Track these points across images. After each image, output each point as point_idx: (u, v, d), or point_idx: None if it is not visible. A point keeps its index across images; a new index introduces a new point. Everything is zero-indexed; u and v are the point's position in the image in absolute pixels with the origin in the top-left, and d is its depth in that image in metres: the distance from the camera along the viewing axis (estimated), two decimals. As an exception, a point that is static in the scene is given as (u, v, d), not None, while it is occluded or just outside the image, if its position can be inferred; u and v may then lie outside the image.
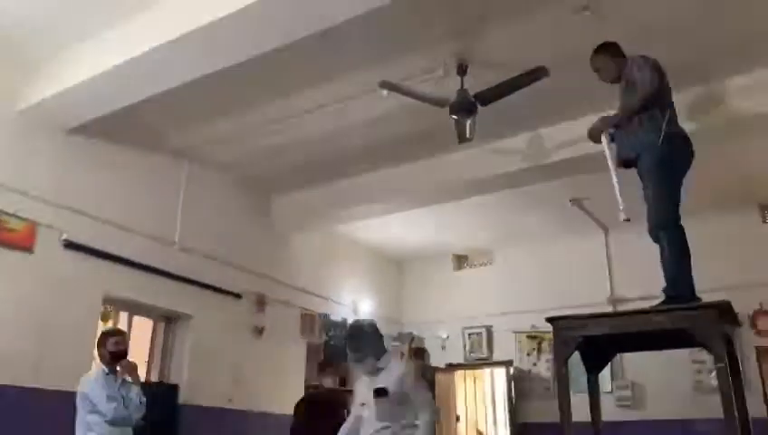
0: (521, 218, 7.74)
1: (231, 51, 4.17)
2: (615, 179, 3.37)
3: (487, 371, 9.11)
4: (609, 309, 7.01)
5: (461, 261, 9.42)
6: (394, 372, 3.53)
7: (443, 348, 8.71)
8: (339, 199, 6.97)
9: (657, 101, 3.34)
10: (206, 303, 6.19)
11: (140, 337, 5.85)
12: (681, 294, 3.07)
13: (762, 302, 6.84)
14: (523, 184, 6.25)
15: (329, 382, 5.51)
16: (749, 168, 6.32)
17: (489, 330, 8.60)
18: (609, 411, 5.77)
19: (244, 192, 7.00)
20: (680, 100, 4.10)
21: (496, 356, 8.53)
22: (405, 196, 6.77)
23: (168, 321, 6.09)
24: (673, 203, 3.23)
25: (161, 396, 5.60)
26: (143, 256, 5.62)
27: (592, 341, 3.19)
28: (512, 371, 8.21)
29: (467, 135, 5.01)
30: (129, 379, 4.17)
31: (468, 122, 4.87)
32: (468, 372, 8.94)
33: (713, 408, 3.04)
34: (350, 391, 4.29)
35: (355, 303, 8.40)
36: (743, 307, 5.91)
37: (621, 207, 3.31)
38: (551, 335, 3.56)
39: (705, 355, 6.05)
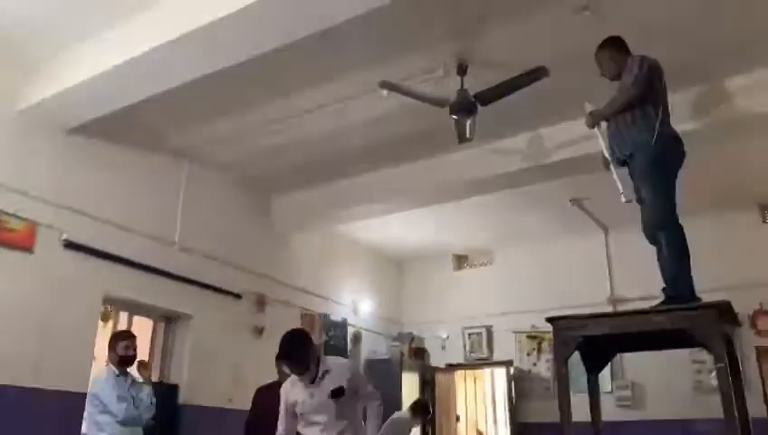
0: (521, 218, 7.74)
1: (231, 51, 4.17)
2: (612, 166, 3.45)
3: (487, 371, 9.10)
4: (609, 309, 7.01)
5: (461, 261, 9.41)
6: (342, 371, 3.64)
7: (443, 348, 8.72)
8: (339, 199, 6.97)
9: (650, 100, 3.34)
10: (206, 303, 6.19)
11: (140, 337, 5.83)
12: (681, 295, 3.07)
13: (762, 302, 6.84)
14: (523, 184, 6.25)
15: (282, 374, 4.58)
16: (749, 168, 6.32)
17: (489, 330, 8.59)
18: (609, 411, 5.77)
19: (244, 192, 7.00)
20: (680, 100, 4.12)
21: (496, 356, 8.53)
22: (405, 196, 6.77)
23: (168, 321, 6.08)
24: (670, 203, 3.24)
25: (161, 396, 5.58)
26: (143, 256, 5.62)
27: (592, 341, 3.20)
28: (512, 371, 8.20)
29: (467, 135, 5.01)
30: (139, 379, 4.20)
31: (468, 122, 4.87)
32: (468, 372, 8.93)
33: (713, 408, 3.04)
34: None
35: (355, 303, 8.40)
36: (743, 307, 5.91)
37: (622, 190, 3.36)
38: (551, 335, 3.57)
39: (705, 355, 6.05)
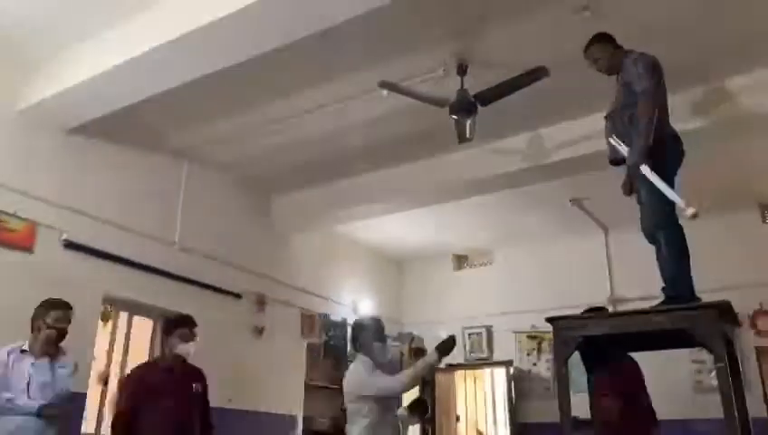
0: (521, 218, 7.73)
1: (231, 51, 4.17)
2: (666, 190, 3.15)
3: (487, 371, 9.09)
4: (609, 309, 7.01)
5: (461, 261, 9.41)
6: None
7: (443, 348, 8.70)
8: (339, 199, 6.96)
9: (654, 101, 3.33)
10: (206, 303, 6.18)
11: (140, 337, 5.84)
12: (681, 295, 3.07)
13: (762, 302, 6.84)
14: (523, 184, 6.25)
15: (181, 348, 3.99)
16: (749, 168, 6.31)
17: (489, 330, 8.59)
18: (609, 411, 5.75)
19: (244, 192, 7.00)
20: (680, 100, 4.12)
21: (496, 356, 8.52)
22: (405, 196, 6.76)
23: (168, 321, 6.08)
24: (669, 202, 3.23)
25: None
26: (143, 256, 5.62)
27: (592, 341, 3.20)
28: (512, 371, 8.20)
29: (467, 135, 5.02)
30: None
31: (468, 122, 4.87)
32: (468, 371, 8.93)
33: (713, 408, 3.04)
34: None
35: (355, 303, 8.39)
36: (743, 307, 5.91)
37: (683, 206, 3.07)
38: (551, 335, 3.57)
39: (705, 355, 6.06)
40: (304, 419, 6.99)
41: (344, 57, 4.57)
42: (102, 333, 5.27)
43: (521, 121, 5.58)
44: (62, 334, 3.80)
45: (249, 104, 5.28)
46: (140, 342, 5.85)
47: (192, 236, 6.15)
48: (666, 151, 3.30)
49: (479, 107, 4.71)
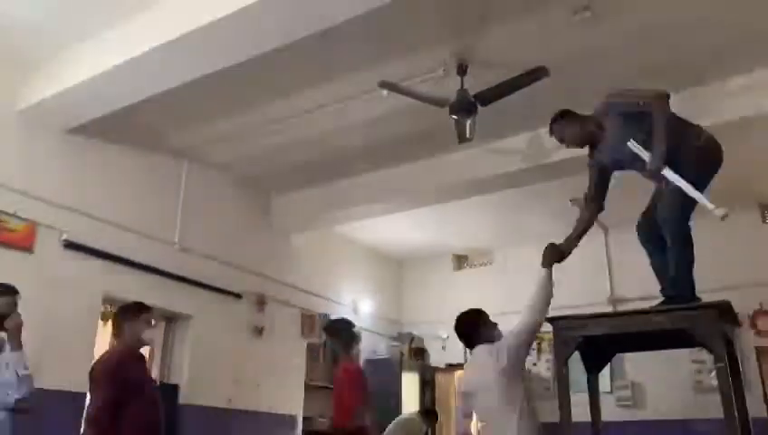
0: (521, 218, 7.73)
1: (231, 51, 4.17)
2: (692, 192, 3.21)
3: (487, 371, 9.09)
4: (609, 309, 7.01)
5: (461, 261, 9.41)
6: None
7: (443, 348, 8.70)
8: (339, 199, 6.96)
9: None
10: (206, 303, 6.19)
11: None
12: (681, 295, 3.07)
13: (762, 302, 6.83)
14: (524, 184, 6.25)
15: (147, 334, 3.62)
16: (749, 168, 6.30)
17: (489, 330, 8.58)
18: (609, 411, 5.77)
19: (244, 192, 7.00)
20: (680, 100, 4.10)
21: (496, 356, 8.51)
22: (405, 196, 6.76)
23: (168, 321, 6.08)
24: (690, 204, 3.24)
25: (161, 396, 5.58)
26: (143, 256, 5.62)
27: (592, 341, 3.20)
28: (512, 371, 8.19)
29: (467, 135, 5.01)
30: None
31: (468, 122, 4.87)
32: (468, 372, 8.92)
33: (713, 408, 3.04)
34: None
35: (355, 303, 8.40)
36: (743, 307, 5.89)
37: (711, 208, 3.15)
38: (551, 335, 3.57)
39: (705, 355, 6.06)
40: (304, 419, 7.00)
41: (344, 57, 4.57)
42: (102, 333, 5.26)
43: (521, 121, 5.58)
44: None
45: (249, 104, 5.28)
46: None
47: (192, 236, 6.15)
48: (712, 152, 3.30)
49: (479, 107, 4.71)
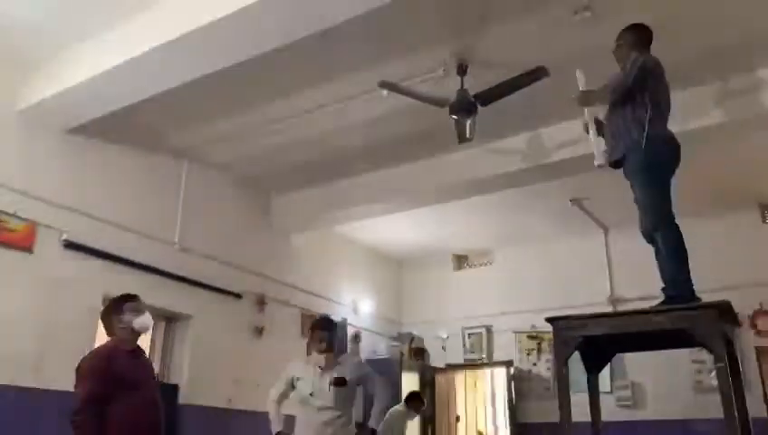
0: (521, 218, 7.74)
1: (231, 51, 4.17)
2: (594, 138, 3.51)
3: (487, 371, 9.10)
4: (609, 309, 7.02)
5: (461, 261, 9.41)
6: (352, 367, 4.22)
7: (443, 348, 8.71)
8: (339, 199, 6.97)
9: (641, 101, 3.32)
10: (206, 303, 6.19)
11: (140, 337, 5.83)
12: (681, 294, 3.07)
13: (762, 302, 6.84)
14: (523, 184, 6.25)
15: (138, 322, 3.52)
16: (749, 168, 6.31)
17: (489, 330, 8.59)
18: (609, 411, 5.77)
19: (244, 192, 7.00)
20: (680, 100, 4.10)
21: (496, 356, 8.52)
22: (405, 196, 6.77)
23: (168, 321, 6.08)
24: (664, 203, 3.23)
25: (161, 396, 5.58)
26: (143, 256, 5.62)
27: (592, 341, 3.20)
28: (512, 371, 8.20)
29: (467, 135, 5.02)
30: None
31: (468, 122, 4.87)
32: (468, 372, 8.93)
33: (713, 408, 3.04)
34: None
35: (355, 303, 8.40)
36: (743, 307, 5.91)
37: (596, 154, 3.46)
38: (551, 335, 3.57)
39: (705, 355, 6.06)
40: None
41: (344, 57, 4.57)
42: (102, 334, 5.25)
43: (521, 121, 5.58)
44: None
45: (249, 104, 5.28)
46: (141, 342, 5.84)
47: (192, 236, 6.15)
48: (659, 152, 3.30)
49: (479, 107, 4.71)
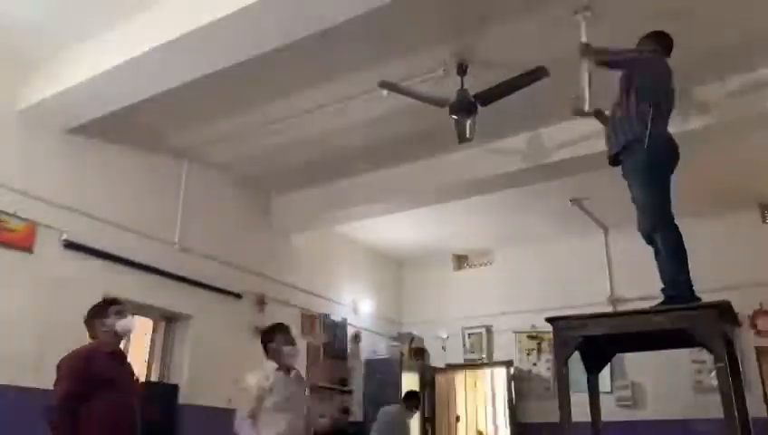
0: (521, 218, 7.74)
1: (231, 51, 4.17)
2: (584, 83, 3.71)
3: (487, 371, 9.09)
4: (609, 309, 7.02)
5: (461, 261, 9.41)
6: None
7: (443, 348, 8.71)
8: (339, 199, 6.97)
9: (647, 98, 3.34)
10: (206, 303, 6.19)
11: (140, 337, 5.85)
12: (681, 295, 3.07)
13: (762, 302, 6.84)
14: (524, 184, 6.25)
15: (121, 324, 3.53)
16: (749, 168, 6.32)
17: (489, 330, 8.59)
18: (609, 411, 5.77)
19: (244, 192, 7.00)
20: (680, 100, 4.10)
21: (496, 356, 8.53)
22: (405, 196, 6.77)
23: (168, 321, 6.08)
24: (664, 203, 3.23)
25: (161, 396, 5.60)
26: (143, 256, 5.62)
27: (592, 341, 3.19)
28: (512, 371, 8.20)
29: (467, 135, 5.01)
30: None
31: (468, 122, 4.87)
32: (468, 372, 8.93)
33: (713, 408, 3.04)
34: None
35: (355, 303, 8.40)
36: (743, 307, 5.90)
37: (586, 99, 3.69)
38: (551, 335, 3.57)
39: (705, 355, 6.06)
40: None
41: (344, 57, 4.57)
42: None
43: (521, 121, 5.58)
44: None
45: (249, 104, 5.28)
46: (140, 342, 5.86)
47: (192, 236, 6.15)
48: (659, 152, 3.31)
49: (479, 107, 4.71)
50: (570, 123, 5.35)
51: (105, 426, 3.21)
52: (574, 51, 3.79)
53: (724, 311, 2.92)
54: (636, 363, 7.10)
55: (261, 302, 6.85)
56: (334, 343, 7.84)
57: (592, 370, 3.53)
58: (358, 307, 8.42)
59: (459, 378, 8.85)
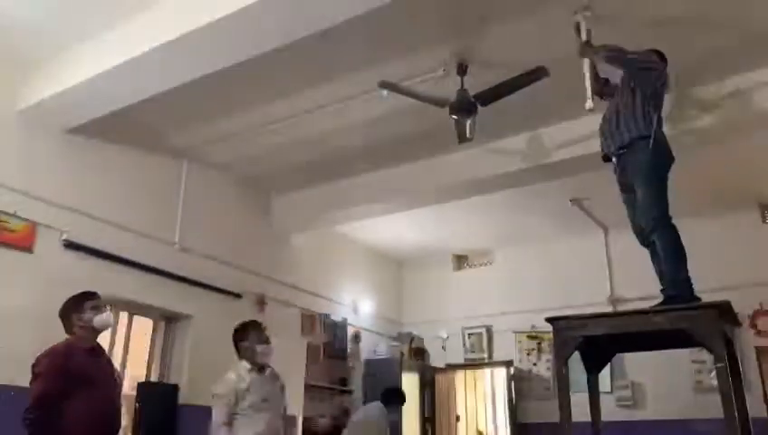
0: (521, 218, 7.74)
1: (231, 51, 4.17)
2: (588, 76, 3.77)
3: (487, 371, 9.10)
4: (609, 309, 7.02)
5: (461, 261, 9.41)
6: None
7: (443, 348, 8.71)
8: (339, 199, 6.96)
9: (652, 100, 3.36)
10: (206, 303, 6.19)
11: (140, 337, 5.85)
12: (681, 294, 3.07)
13: (762, 302, 6.84)
14: (524, 184, 6.25)
15: (98, 320, 3.53)
16: (749, 168, 6.32)
17: (489, 330, 8.59)
18: (609, 411, 5.77)
19: (244, 192, 7.00)
20: (681, 100, 4.12)
21: (496, 356, 8.53)
22: (405, 196, 6.76)
23: (168, 321, 6.08)
24: (663, 203, 3.24)
25: (161, 396, 5.60)
26: (143, 256, 5.61)
27: (592, 341, 3.20)
28: (512, 371, 8.21)
29: (467, 135, 5.01)
30: None
31: (468, 122, 4.87)
32: (468, 372, 8.93)
33: (713, 408, 3.04)
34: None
35: (355, 303, 8.40)
36: (743, 307, 5.91)
37: (589, 97, 3.72)
38: (551, 335, 3.58)
39: (705, 355, 6.07)
40: (304, 419, 6.99)
41: (344, 57, 4.57)
42: (102, 334, 5.25)
43: (521, 121, 5.58)
44: None
45: (249, 104, 5.28)
46: (140, 342, 5.86)
47: (192, 236, 6.15)
48: (664, 153, 3.33)
49: (479, 107, 4.71)
50: (570, 123, 5.36)
51: (85, 425, 3.17)
52: (574, 51, 3.80)
53: (724, 311, 2.93)
54: (636, 363, 7.11)
55: (261, 302, 6.84)
56: (334, 342, 7.83)
57: (592, 370, 3.54)
58: (358, 307, 8.42)
59: (459, 378, 8.85)
